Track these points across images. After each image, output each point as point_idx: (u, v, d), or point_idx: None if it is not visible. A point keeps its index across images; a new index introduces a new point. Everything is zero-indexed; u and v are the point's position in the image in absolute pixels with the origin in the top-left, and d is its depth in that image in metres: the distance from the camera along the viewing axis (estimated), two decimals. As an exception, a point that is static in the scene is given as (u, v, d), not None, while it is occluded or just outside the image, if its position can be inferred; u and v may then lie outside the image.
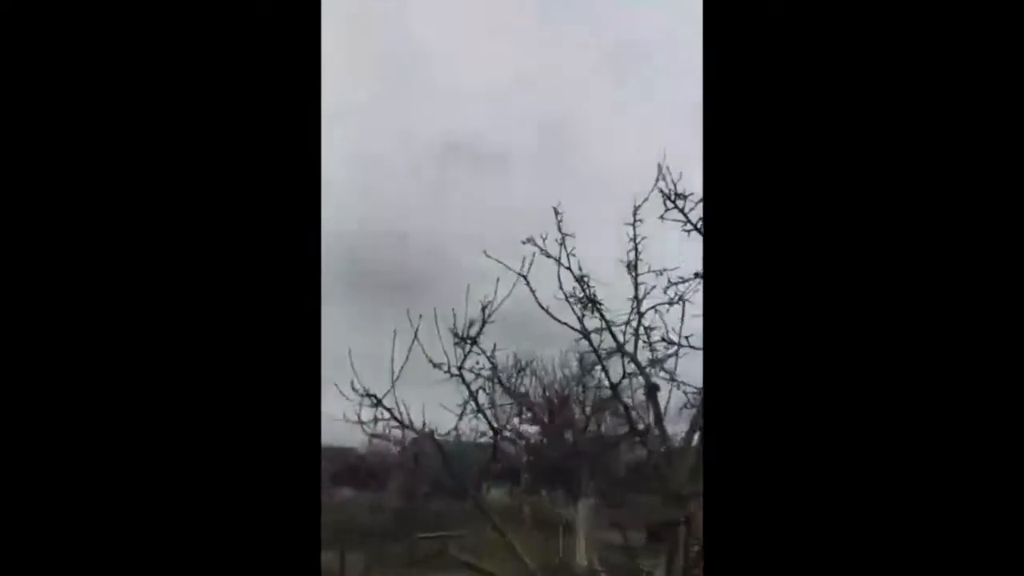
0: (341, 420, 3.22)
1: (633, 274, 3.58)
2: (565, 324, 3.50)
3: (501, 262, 3.23)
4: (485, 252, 3.38)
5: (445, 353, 3.31)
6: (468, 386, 3.39)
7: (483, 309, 3.32)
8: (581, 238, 3.77)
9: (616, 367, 3.52)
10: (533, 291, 3.43)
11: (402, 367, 2.89)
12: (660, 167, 3.39)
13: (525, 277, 3.40)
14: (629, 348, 3.52)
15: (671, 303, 3.54)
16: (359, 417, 3.10)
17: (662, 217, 3.43)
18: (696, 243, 3.33)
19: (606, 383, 3.46)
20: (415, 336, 2.99)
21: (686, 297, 3.51)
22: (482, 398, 3.69)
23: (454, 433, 3.49)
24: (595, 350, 3.41)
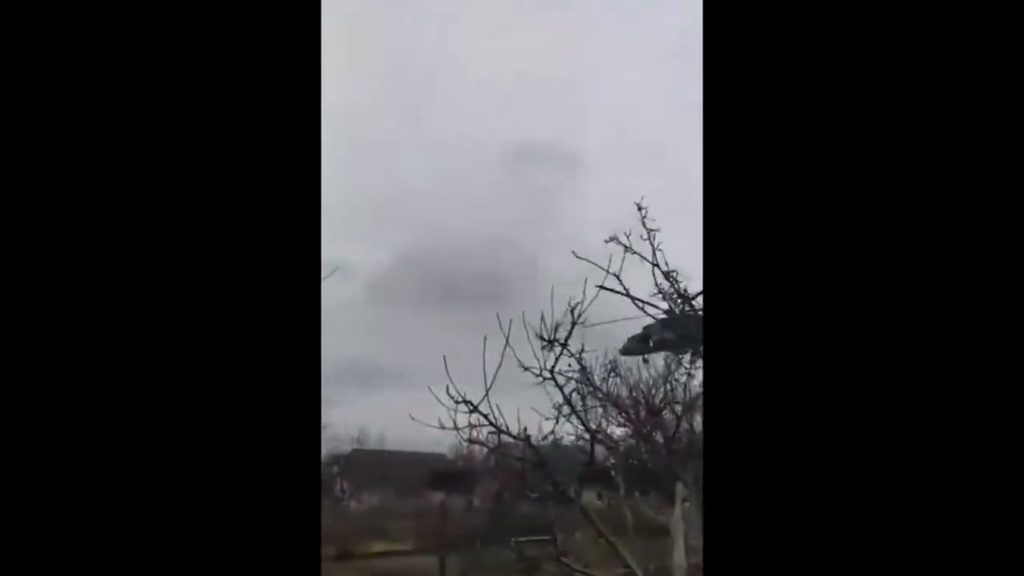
0: (435, 427, 3.26)
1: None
2: (654, 319, 3.39)
3: (591, 261, 3.17)
4: (574, 253, 3.33)
5: (536, 357, 3.29)
6: (561, 389, 3.35)
7: (572, 311, 3.27)
8: (668, 233, 3.66)
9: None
10: (626, 289, 3.35)
11: (496, 372, 2.89)
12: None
13: (617, 276, 3.32)
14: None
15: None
16: (455, 423, 3.12)
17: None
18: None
19: (697, 381, 3.33)
20: (507, 341, 2.98)
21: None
22: (573, 401, 3.65)
23: (551, 437, 3.46)
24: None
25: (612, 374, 4.51)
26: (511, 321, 3.06)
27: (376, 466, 27.83)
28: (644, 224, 3.55)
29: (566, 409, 3.44)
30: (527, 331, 3.32)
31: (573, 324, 3.25)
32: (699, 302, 3.51)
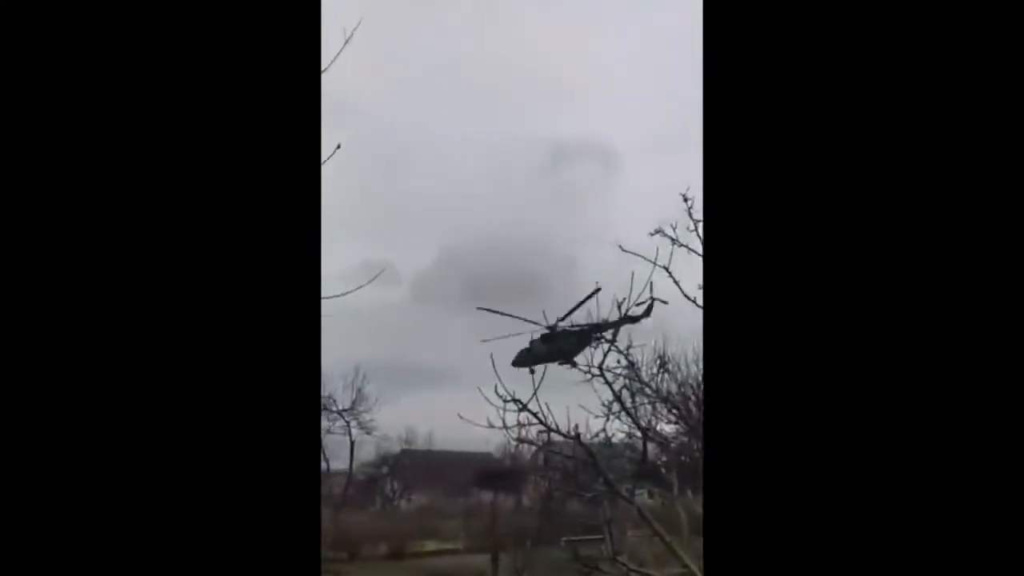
0: (484, 426, 3.24)
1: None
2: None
3: (638, 254, 3.09)
4: (620, 247, 3.25)
5: (584, 353, 3.24)
6: (611, 386, 3.29)
7: (618, 306, 3.21)
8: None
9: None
10: (676, 282, 3.24)
11: (544, 370, 2.85)
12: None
13: (666, 268, 3.22)
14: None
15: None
16: (503, 422, 3.10)
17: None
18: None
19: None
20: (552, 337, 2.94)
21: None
22: (623, 398, 3.58)
23: (602, 434, 3.41)
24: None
25: (661, 370, 4.41)
26: (558, 320, 3.02)
27: (425, 466, 28.15)
28: (691, 215, 3.45)
29: (616, 406, 3.37)
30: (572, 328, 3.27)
31: (620, 320, 3.19)
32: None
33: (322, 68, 2.12)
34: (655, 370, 4.12)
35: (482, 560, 12.76)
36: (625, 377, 3.49)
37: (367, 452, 25.90)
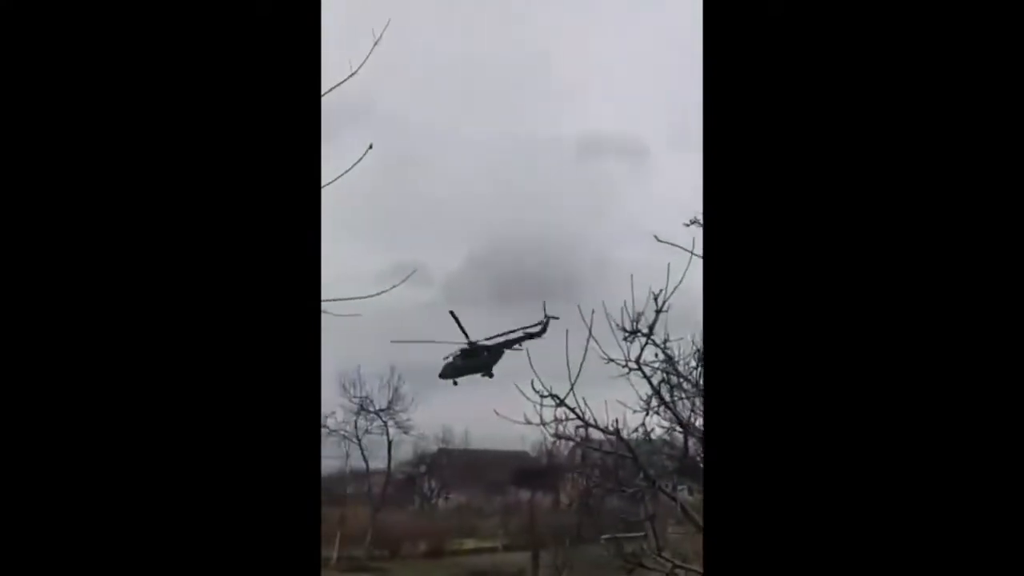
0: (522, 422, 3.22)
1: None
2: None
3: (675, 244, 3.04)
4: (656, 237, 3.20)
5: (621, 347, 3.19)
6: (649, 380, 3.24)
7: (655, 298, 3.15)
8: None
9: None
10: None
11: (581, 365, 2.82)
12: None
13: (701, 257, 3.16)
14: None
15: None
16: (541, 418, 3.08)
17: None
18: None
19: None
20: (589, 332, 2.91)
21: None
22: (662, 392, 3.52)
23: (641, 429, 3.36)
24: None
25: (700, 363, 4.32)
26: (592, 312, 2.98)
27: (462, 465, 28.31)
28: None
29: (654, 401, 3.32)
30: (610, 323, 3.23)
31: (657, 312, 3.13)
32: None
33: (352, 71, 2.14)
34: (693, 363, 4.04)
35: (521, 558, 12.77)
36: (663, 371, 3.43)
37: (404, 451, 26.24)
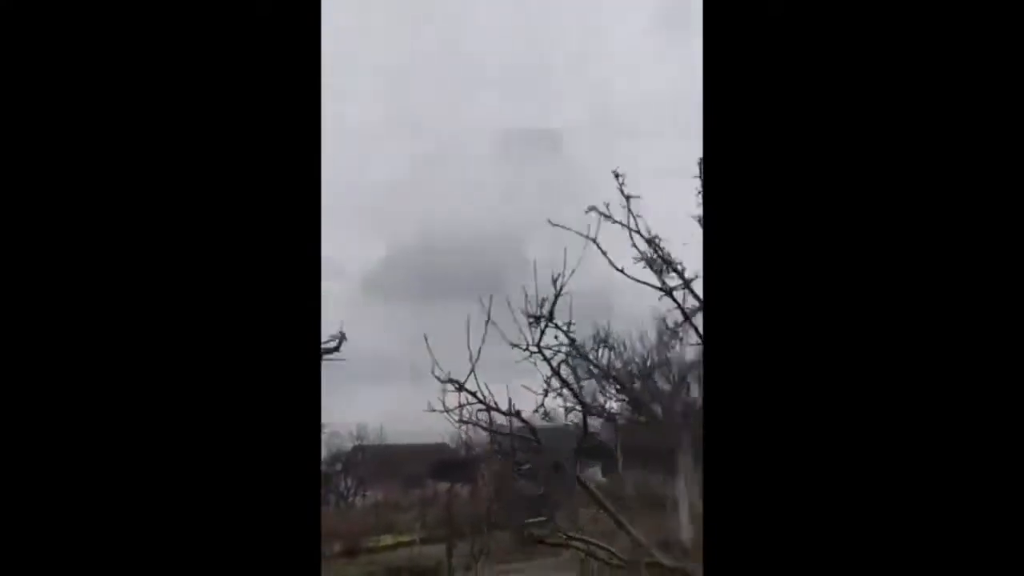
0: (426, 410, 3.20)
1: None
2: (645, 283, 3.36)
3: (566, 227, 3.11)
4: (549, 220, 3.26)
5: (522, 332, 3.23)
6: (549, 362, 3.30)
7: (554, 282, 3.21)
8: (648, 201, 3.61)
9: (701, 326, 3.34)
10: (604, 252, 3.30)
11: (479, 349, 2.83)
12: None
13: (594, 240, 3.26)
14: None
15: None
16: (443, 404, 3.06)
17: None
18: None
19: (693, 340, 3.29)
20: (488, 317, 2.92)
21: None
22: (564, 378, 3.59)
23: (541, 410, 3.41)
24: (681, 307, 3.24)
25: (603, 345, 4.44)
26: (491, 297, 3.00)
27: (379, 461, 27.86)
28: (622, 191, 3.50)
29: (555, 383, 3.39)
30: (511, 309, 3.26)
31: (556, 296, 3.19)
32: (683, 265, 3.45)
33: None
34: (596, 346, 4.15)
35: (439, 550, 12.73)
36: (565, 353, 3.51)
37: (317, 450, 25.45)
